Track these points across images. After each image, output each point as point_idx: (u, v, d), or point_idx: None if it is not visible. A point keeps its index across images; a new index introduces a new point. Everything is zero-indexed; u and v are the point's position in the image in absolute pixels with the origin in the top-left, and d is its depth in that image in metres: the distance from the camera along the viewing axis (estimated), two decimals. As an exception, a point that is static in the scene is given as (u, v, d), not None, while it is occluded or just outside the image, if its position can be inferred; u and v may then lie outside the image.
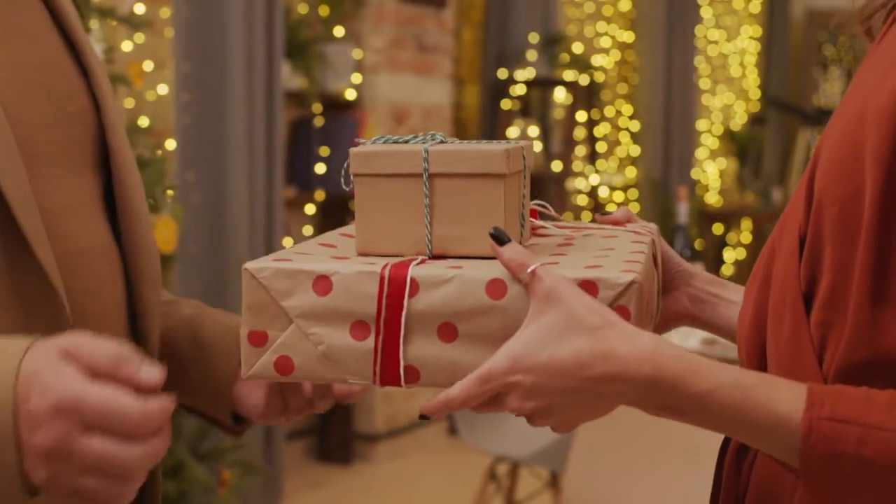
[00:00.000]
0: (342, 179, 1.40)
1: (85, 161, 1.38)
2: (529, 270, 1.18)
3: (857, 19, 1.34)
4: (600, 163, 8.48)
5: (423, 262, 1.26)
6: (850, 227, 1.14)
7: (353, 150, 1.32)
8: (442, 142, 1.34)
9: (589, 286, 1.18)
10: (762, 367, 1.26)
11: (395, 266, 1.23)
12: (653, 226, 1.52)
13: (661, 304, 1.48)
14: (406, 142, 1.33)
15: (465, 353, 1.21)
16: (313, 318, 1.25)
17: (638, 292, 1.19)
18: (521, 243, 1.34)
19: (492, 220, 1.27)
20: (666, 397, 1.13)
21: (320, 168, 5.95)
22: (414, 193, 1.29)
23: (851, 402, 1.08)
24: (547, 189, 7.53)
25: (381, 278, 1.22)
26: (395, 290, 1.22)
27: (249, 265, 1.27)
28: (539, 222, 1.49)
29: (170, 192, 3.77)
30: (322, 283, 1.24)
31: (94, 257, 1.34)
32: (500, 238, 1.21)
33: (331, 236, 1.45)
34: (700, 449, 1.67)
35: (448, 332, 1.22)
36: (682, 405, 1.13)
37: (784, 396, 1.10)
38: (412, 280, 1.22)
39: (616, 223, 1.50)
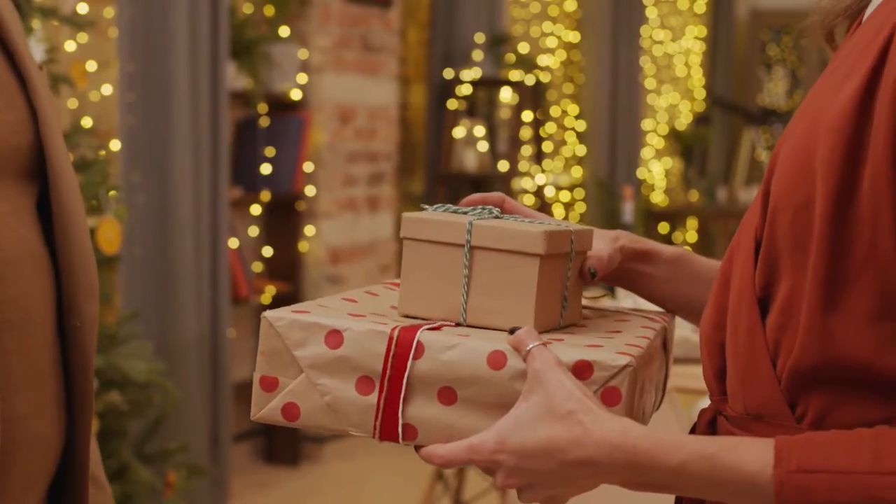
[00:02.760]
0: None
1: (19, 170, 1.37)
2: (527, 348, 1.23)
3: (820, 27, 1.36)
4: (546, 162, 8.51)
5: (439, 327, 1.32)
6: (802, 235, 1.16)
7: (405, 214, 1.40)
8: (496, 217, 1.42)
9: (584, 366, 1.24)
10: (722, 366, 1.30)
11: (405, 329, 1.29)
12: (669, 314, 1.59)
13: (665, 387, 1.55)
14: (465, 212, 1.41)
15: (463, 417, 1.27)
16: (322, 370, 1.31)
17: (631, 375, 1.24)
18: (560, 325, 1.41)
19: (526, 297, 1.34)
20: (642, 476, 1.17)
21: (266, 168, 5.93)
22: (455, 262, 1.37)
23: (818, 449, 1.11)
24: (493, 189, 7.55)
25: (390, 339, 1.28)
26: (401, 350, 1.28)
27: (269, 314, 1.33)
28: (591, 306, 1.56)
29: (113, 192, 3.74)
30: (334, 337, 1.31)
31: (24, 265, 1.33)
32: (512, 331, 1.27)
33: (356, 293, 1.52)
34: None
35: (448, 395, 1.27)
36: (657, 481, 1.17)
37: (750, 457, 1.13)
38: (418, 343, 1.28)
39: (483, 202, 1.53)
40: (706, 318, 1.34)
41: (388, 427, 1.30)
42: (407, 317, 1.39)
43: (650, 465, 1.15)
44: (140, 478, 3.75)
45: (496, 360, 1.26)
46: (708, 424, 1.36)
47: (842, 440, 1.11)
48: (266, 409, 1.34)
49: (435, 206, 1.44)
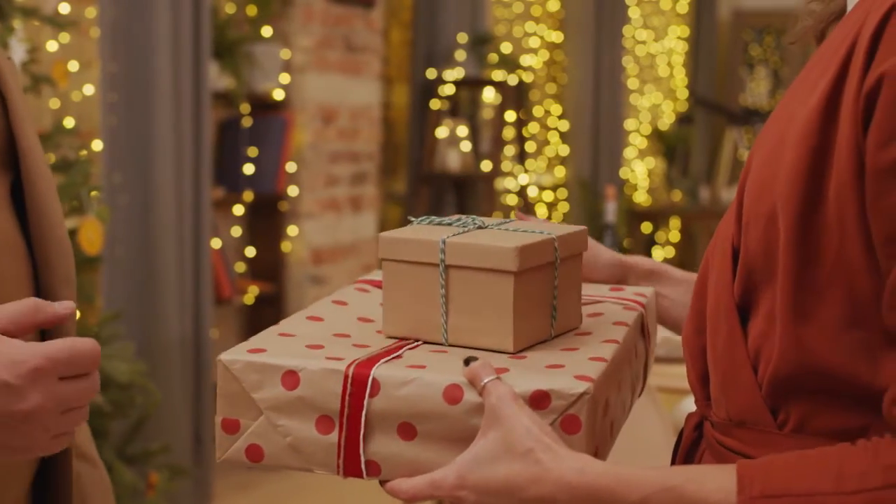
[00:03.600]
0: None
1: None
2: (482, 383, 1.23)
3: (811, 31, 1.36)
4: (529, 162, 8.51)
5: (396, 358, 1.31)
6: (773, 244, 1.16)
7: (381, 234, 1.39)
8: (479, 227, 1.40)
9: (541, 396, 1.23)
10: (704, 371, 1.30)
11: (361, 365, 1.28)
12: (649, 291, 1.59)
13: (647, 373, 1.54)
14: (450, 224, 1.40)
15: (425, 451, 1.26)
16: (281, 411, 1.30)
17: (590, 402, 1.23)
18: (551, 335, 1.40)
19: (504, 314, 1.32)
20: None
21: (249, 169, 5.92)
22: (433, 282, 1.36)
23: (781, 473, 1.11)
24: (476, 189, 7.54)
25: (345, 377, 1.27)
26: (357, 389, 1.27)
27: (223, 357, 1.33)
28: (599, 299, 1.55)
29: (95, 193, 3.73)
30: (290, 378, 1.29)
31: (0, 253, 1.33)
32: (467, 361, 1.26)
33: (324, 305, 1.51)
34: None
35: (408, 430, 1.26)
36: None
37: (714, 485, 1.13)
38: (374, 380, 1.26)
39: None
40: (687, 324, 1.34)
41: (351, 464, 1.29)
42: (391, 337, 1.38)
43: (612, 501, 1.15)
44: (122, 479, 3.74)
45: (452, 394, 1.24)
46: (694, 429, 1.36)
47: (805, 461, 1.11)
48: (230, 450, 1.34)
49: (420, 218, 1.43)
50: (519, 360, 1.30)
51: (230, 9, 5.86)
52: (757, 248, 1.18)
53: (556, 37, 9.39)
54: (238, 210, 6.01)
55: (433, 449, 1.26)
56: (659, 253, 10.50)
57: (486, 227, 1.41)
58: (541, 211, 9.11)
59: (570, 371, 1.26)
